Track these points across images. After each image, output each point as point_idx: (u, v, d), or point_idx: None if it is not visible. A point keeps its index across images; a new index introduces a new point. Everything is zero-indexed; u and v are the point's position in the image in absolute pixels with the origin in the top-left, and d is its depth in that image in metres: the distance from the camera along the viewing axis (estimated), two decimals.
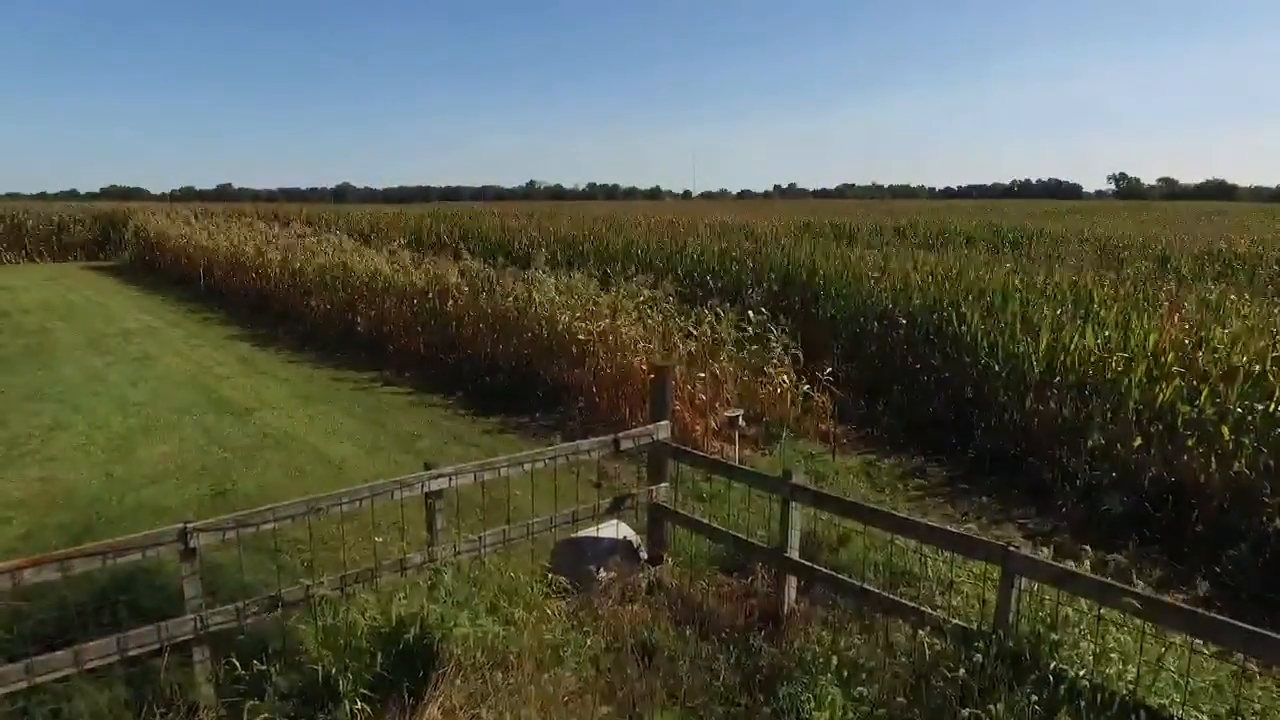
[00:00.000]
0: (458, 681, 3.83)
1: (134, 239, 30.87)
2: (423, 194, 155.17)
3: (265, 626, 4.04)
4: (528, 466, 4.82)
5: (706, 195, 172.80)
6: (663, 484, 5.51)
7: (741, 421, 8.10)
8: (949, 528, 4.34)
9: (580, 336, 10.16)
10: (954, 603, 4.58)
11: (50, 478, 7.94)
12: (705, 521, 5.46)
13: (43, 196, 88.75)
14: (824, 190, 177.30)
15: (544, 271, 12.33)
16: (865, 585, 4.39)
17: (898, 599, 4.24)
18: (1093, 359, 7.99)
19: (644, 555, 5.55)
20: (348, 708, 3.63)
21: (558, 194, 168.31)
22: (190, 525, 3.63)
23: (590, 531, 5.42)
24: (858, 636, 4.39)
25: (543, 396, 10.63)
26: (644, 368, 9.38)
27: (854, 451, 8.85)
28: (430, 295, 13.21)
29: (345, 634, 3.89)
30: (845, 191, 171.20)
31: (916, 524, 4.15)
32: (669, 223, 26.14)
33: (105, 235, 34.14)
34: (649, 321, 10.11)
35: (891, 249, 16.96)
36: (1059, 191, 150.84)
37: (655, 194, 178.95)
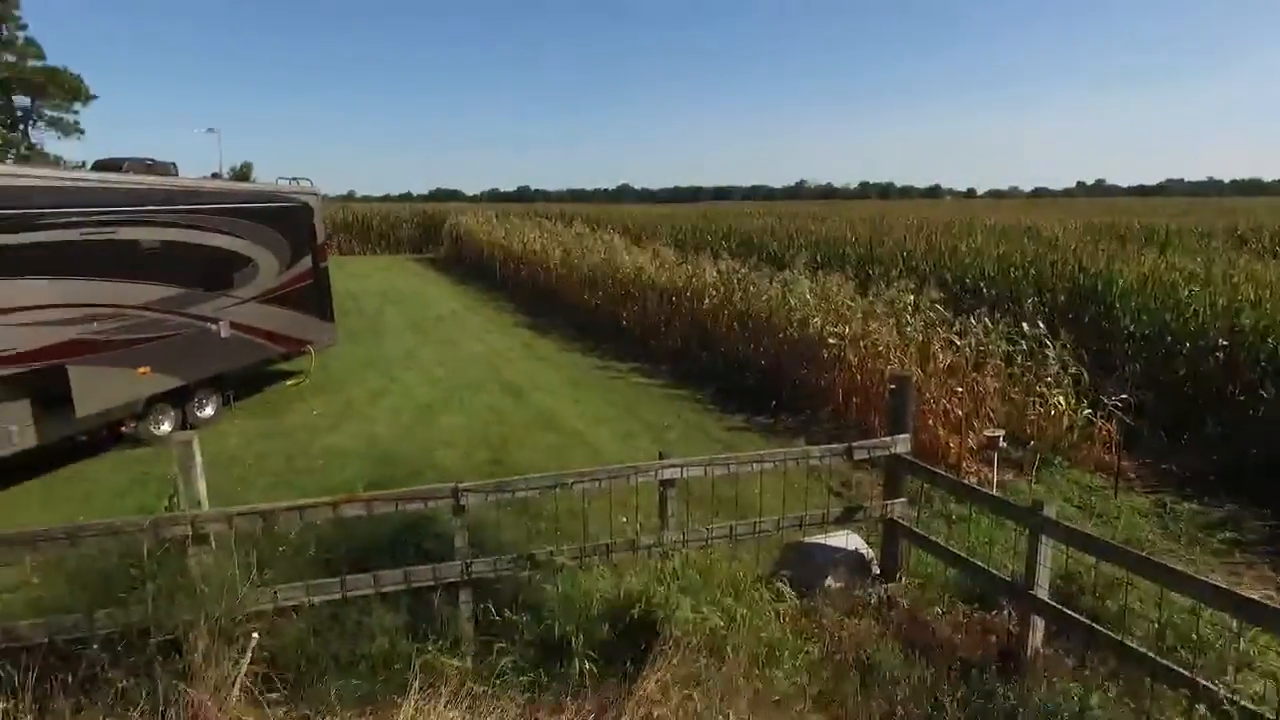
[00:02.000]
0: (675, 661, 4.04)
1: (448, 236, 35.89)
2: (693, 194, 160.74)
3: (515, 580, 4.57)
4: (756, 466, 4.90)
5: (994, 194, 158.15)
6: (899, 499, 5.28)
7: (1003, 443, 7.45)
8: (1247, 592, 3.65)
9: (831, 340, 9.97)
10: (1249, 683, 3.84)
11: (372, 433, 9.59)
12: (944, 544, 5.13)
13: (386, 199, 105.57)
14: (1141, 186, 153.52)
15: (800, 273, 12.27)
16: (1128, 641, 3.86)
17: (1169, 664, 3.66)
18: None
19: (875, 570, 5.37)
20: (578, 665, 4.01)
21: (828, 193, 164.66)
22: (461, 486, 4.24)
23: (819, 538, 5.37)
24: (1114, 698, 3.88)
25: (790, 398, 10.61)
26: None
27: (1144, 490, 7.70)
28: (688, 293, 13.76)
29: (580, 599, 4.29)
30: (1169, 187, 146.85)
31: (1194, 579, 3.54)
32: (942, 224, 24.47)
33: (427, 233, 40.09)
34: (906, 329, 9.62)
35: (1218, 256, 14.30)
36: None
37: (934, 192, 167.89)
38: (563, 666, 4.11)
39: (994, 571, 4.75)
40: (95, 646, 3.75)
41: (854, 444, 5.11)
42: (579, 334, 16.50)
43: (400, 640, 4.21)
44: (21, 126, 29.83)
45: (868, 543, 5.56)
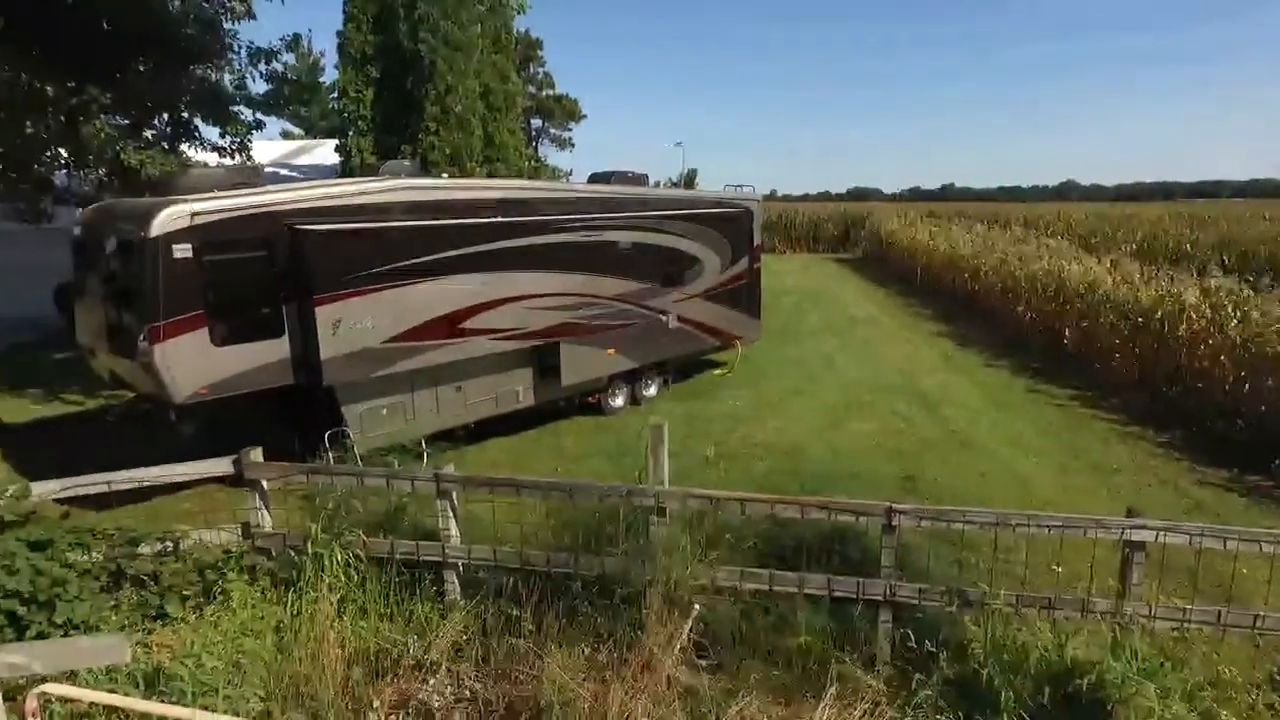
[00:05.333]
0: None
1: (868, 236, 35.53)
2: (1164, 190, 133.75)
3: (938, 613, 4.39)
4: (1269, 547, 3.95)
5: None
6: None
7: None
8: None
9: None
10: None
11: (785, 429, 10.02)
12: None
13: (805, 198, 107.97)
14: None
15: None
16: None
17: None
18: None
19: None
20: None
21: None
22: (895, 506, 4.21)
23: None
24: None
25: None
26: None
27: None
28: (1158, 315, 11.59)
29: (1013, 652, 3.96)
30: None
31: None
32: None
33: (846, 232, 40.17)
34: None
35: None
36: None
37: None
38: (988, 718, 3.85)
39: None
40: (578, 585, 4.59)
41: None
42: (1006, 349, 15.05)
43: (818, 643, 4.37)
44: (533, 144, 37.64)
45: None
